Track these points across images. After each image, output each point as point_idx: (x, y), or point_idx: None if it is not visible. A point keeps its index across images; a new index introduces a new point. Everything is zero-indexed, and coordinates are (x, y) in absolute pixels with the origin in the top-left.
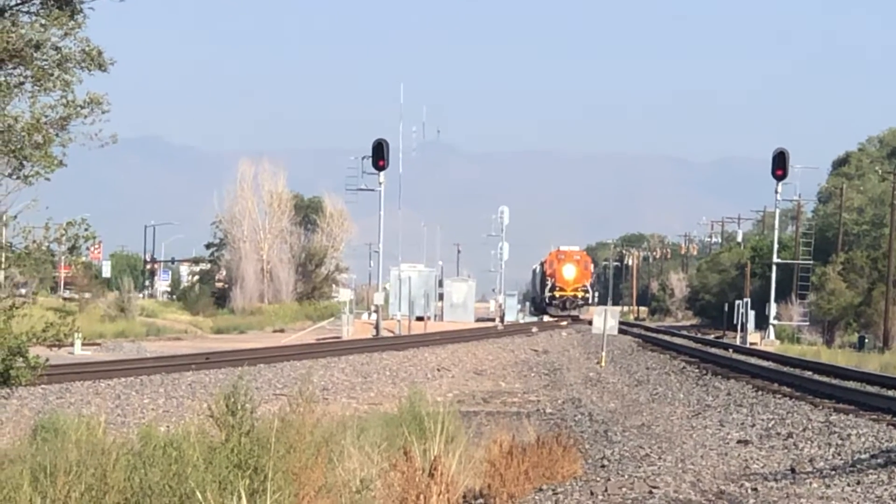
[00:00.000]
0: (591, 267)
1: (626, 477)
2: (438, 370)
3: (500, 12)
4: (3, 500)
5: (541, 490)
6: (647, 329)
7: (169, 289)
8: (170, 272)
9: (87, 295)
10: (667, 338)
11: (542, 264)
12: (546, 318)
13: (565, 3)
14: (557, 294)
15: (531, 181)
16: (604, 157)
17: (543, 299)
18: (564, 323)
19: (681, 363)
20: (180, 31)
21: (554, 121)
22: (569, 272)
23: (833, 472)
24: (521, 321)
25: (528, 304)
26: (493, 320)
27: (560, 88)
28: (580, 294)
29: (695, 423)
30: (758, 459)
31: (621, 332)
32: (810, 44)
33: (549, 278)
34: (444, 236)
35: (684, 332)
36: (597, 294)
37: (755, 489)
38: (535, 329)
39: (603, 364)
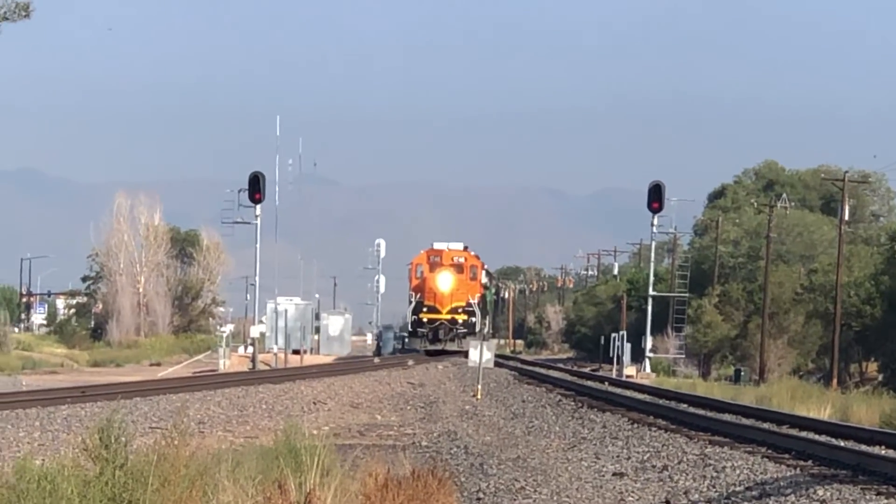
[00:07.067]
0: (482, 275)
1: None
2: (315, 403)
3: (373, 43)
4: None
5: None
6: (524, 362)
7: (45, 322)
8: (46, 305)
9: None
10: (543, 371)
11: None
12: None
13: (445, 29)
14: (425, 318)
15: (410, 213)
16: (482, 188)
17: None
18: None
19: (557, 396)
20: (53, 65)
21: (433, 152)
22: (444, 282)
23: None
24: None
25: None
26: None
27: (439, 118)
28: (460, 318)
29: (570, 455)
30: (633, 492)
31: (498, 364)
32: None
33: (413, 293)
34: (322, 269)
35: (560, 365)
36: (487, 318)
37: None
38: (410, 362)
39: (479, 397)
